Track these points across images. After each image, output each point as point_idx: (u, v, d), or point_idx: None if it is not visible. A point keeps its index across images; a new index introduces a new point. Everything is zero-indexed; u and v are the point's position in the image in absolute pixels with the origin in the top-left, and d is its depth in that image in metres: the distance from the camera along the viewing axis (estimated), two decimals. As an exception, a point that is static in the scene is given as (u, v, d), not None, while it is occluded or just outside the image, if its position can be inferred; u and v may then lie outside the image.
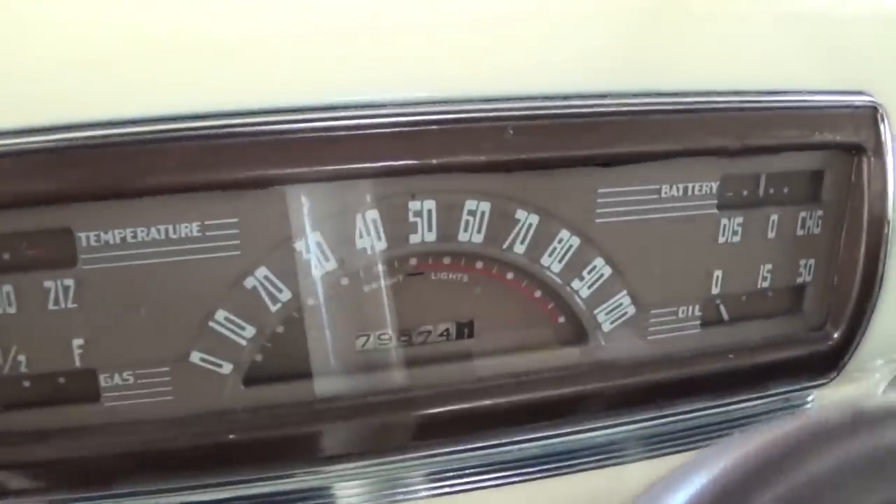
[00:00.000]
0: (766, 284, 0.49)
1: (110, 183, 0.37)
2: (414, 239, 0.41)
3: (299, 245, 0.40)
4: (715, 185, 0.46)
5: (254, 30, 0.38)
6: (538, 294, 0.45)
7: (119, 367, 0.40)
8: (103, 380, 0.40)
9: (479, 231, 0.42)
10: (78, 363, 0.39)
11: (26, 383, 0.39)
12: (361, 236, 0.40)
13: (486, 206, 0.42)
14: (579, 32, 0.42)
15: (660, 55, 0.43)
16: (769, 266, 0.48)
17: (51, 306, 0.38)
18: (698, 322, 0.48)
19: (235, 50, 0.38)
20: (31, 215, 0.37)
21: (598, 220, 0.44)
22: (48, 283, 0.38)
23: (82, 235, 0.38)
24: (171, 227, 0.38)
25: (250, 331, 0.41)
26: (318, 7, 0.39)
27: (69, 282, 0.38)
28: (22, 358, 0.39)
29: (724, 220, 0.46)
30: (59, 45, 0.37)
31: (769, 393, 0.50)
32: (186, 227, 0.39)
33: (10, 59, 0.36)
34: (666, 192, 0.45)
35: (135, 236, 0.38)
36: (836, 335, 0.50)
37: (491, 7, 0.41)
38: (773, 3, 0.47)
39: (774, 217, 0.48)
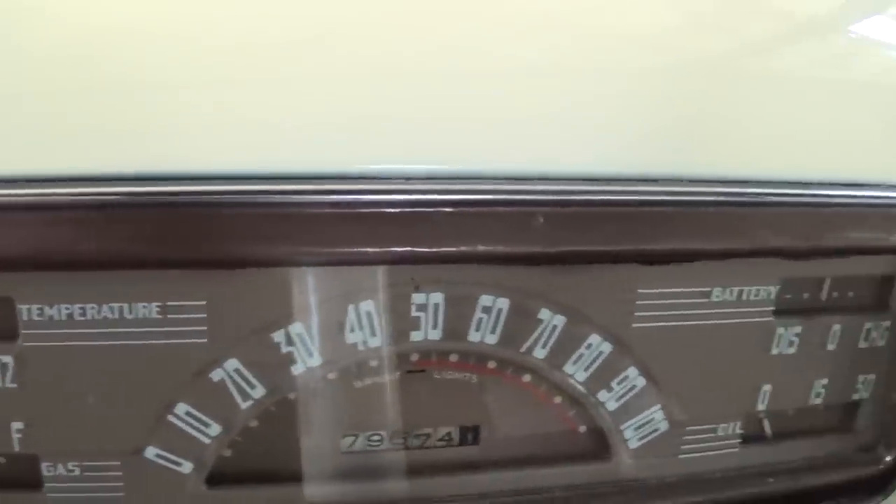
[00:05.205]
0: (818, 401, 0.42)
1: (59, 250, 0.31)
2: (415, 336, 0.35)
3: (278, 336, 0.34)
4: (774, 290, 0.39)
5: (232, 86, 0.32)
6: (557, 401, 0.39)
7: (64, 456, 0.35)
8: (45, 468, 0.35)
9: (493, 331, 0.35)
10: (17, 447, 0.34)
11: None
12: (353, 330, 0.34)
13: (503, 303, 0.35)
14: (627, 105, 0.35)
15: (719, 136, 0.36)
16: (824, 381, 0.42)
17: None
18: (738, 440, 0.42)
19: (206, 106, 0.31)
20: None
21: (635, 325, 0.37)
22: (-16, 358, 0.33)
23: (24, 308, 0.32)
24: (126, 306, 0.32)
25: (216, 428, 0.35)
26: (313, 56, 0.32)
27: (7, 359, 0.33)
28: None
29: (780, 329, 0.40)
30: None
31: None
32: (145, 306, 0.33)
33: None
34: (718, 296, 0.38)
35: (83, 313, 0.32)
36: (888, 457, 0.44)
37: (527, 67, 0.35)
38: (860, 72, 0.40)
39: (837, 327, 0.41)
